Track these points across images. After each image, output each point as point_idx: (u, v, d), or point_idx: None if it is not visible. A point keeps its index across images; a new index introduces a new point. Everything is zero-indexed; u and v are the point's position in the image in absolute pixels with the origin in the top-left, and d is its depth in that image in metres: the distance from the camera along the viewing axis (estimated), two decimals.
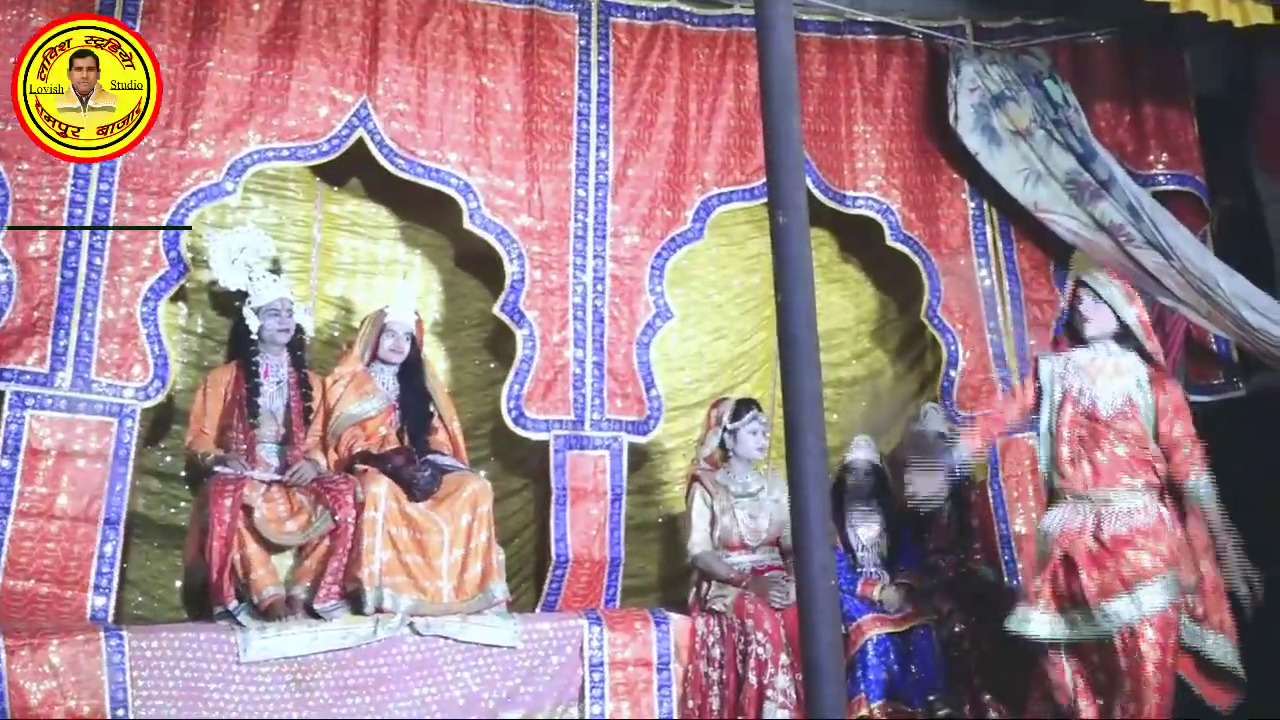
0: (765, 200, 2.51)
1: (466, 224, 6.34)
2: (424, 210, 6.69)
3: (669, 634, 5.82)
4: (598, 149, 6.56)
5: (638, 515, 6.67)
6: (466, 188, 6.33)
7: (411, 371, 6.14)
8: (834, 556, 2.39)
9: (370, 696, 5.28)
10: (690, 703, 5.77)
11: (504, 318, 6.34)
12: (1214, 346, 6.91)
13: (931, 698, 5.79)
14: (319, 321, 6.55)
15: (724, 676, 5.75)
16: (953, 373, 6.89)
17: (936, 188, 7.07)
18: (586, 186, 6.51)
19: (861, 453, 6.50)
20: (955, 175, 7.05)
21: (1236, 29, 6.26)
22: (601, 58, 6.64)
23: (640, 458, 6.72)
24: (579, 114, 6.56)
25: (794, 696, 5.54)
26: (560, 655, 5.65)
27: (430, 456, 5.96)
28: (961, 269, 6.80)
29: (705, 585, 6.03)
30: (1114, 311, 5.27)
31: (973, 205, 7.07)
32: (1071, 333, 5.42)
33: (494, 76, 6.47)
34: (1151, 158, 7.11)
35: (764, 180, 2.50)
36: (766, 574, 5.98)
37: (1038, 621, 5.15)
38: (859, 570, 6.24)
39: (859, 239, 7.22)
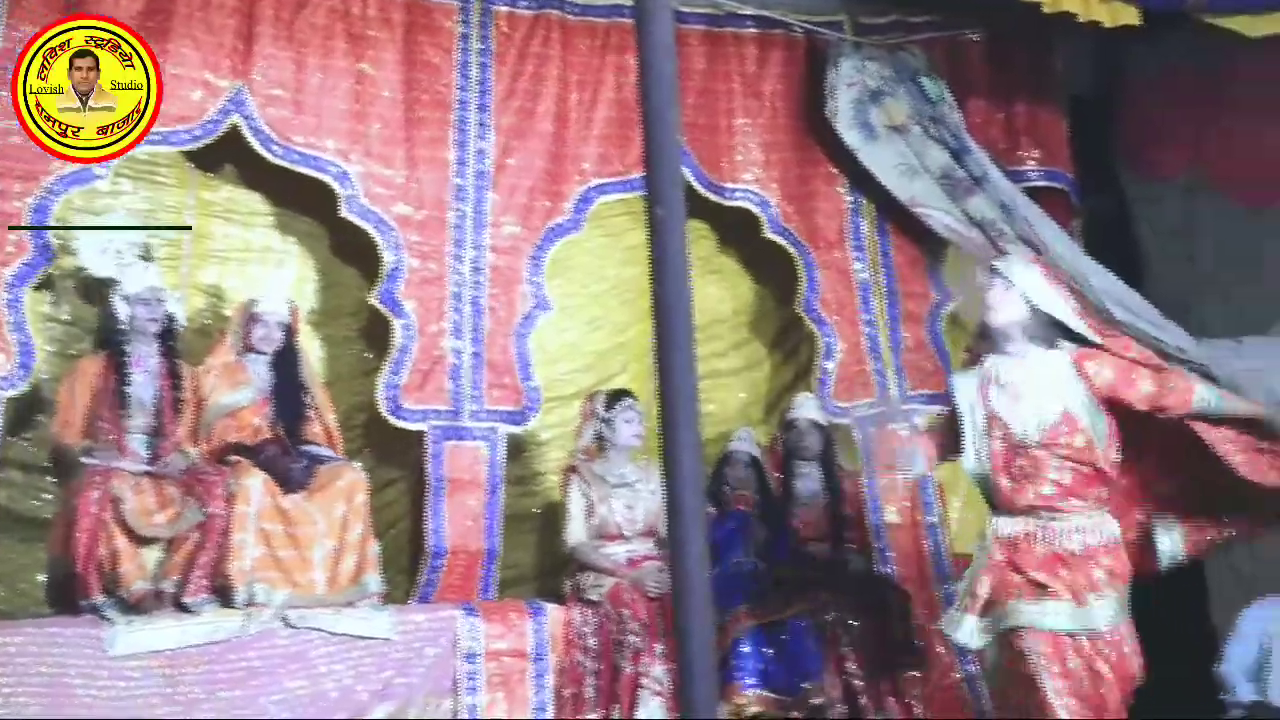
0: (644, 192, 2.48)
1: (343, 212, 6.26)
2: (301, 198, 6.57)
3: (545, 625, 5.80)
4: (478, 138, 6.52)
5: (514, 506, 6.64)
6: (344, 175, 6.25)
7: (285, 361, 6.03)
8: (708, 552, 2.36)
9: (242, 690, 5.17)
10: (565, 693, 5.76)
11: (381, 307, 6.27)
12: None
13: (805, 686, 5.83)
14: (190, 310, 6.38)
15: (599, 666, 5.76)
16: (828, 364, 6.95)
17: (814, 181, 7.10)
18: (465, 175, 6.46)
19: (743, 445, 6.57)
20: (833, 169, 7.09)
21: (1106, 29, 6.35)
22: (482, 46, 6.59)
23: (517, 448, 6.69)
24: (459, 102, 6.51)
25: (669, 685, 5.56)
26: (435, 647, 5.60)
27: (305, 447, 5.87)
28: None
29: (582, 576, 6.02)
30: (1026, 299, 4.73)
31: (849, 199, 7.13)
32: (984, 333, 4.87)
33: (373, 63, 6.39)
34: (1023, 154, 7.19)
35: (643, 172, 2.45)
36: (643, 564, 5.99)
37: (967, 629, 4.72)
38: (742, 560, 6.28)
39: (737, 231, 7.26)
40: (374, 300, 6.29)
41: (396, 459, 6.57)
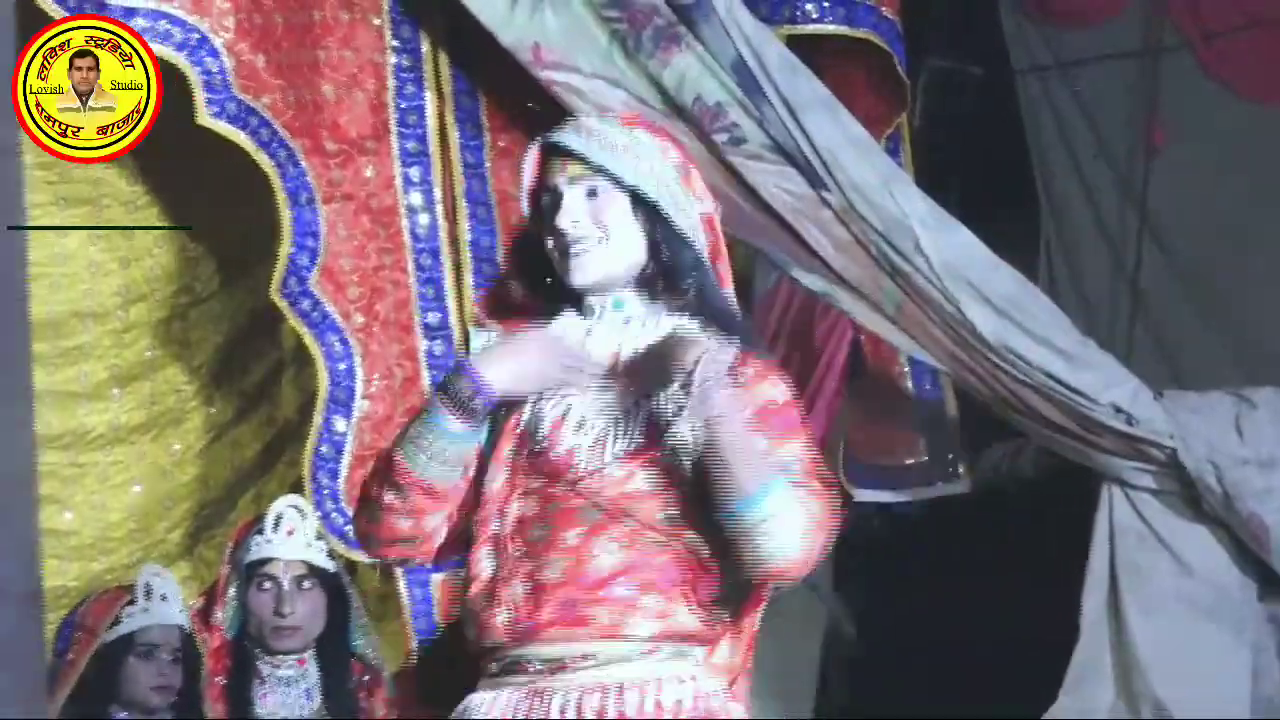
0: None
1: None
2: None
3: None
4: None
5: None
6: None
7: None
8: None
9: None
10: None
11: None
12: (906, 383, 7.28)
13: None
14: None
15: None
16: (339, 421, 6.64)
17: (322, 8, 6.86)
18: None
19: (157, 615, 6.18)
20: None
21: None
22: None
23: None
24: None
25: None
26: None
27: None
28: None
29: None
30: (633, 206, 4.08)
31: (396, 47, 6.86)
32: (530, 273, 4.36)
33: None
34: None
35: None
36: None
37: None
38: None
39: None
40: None
41: None
